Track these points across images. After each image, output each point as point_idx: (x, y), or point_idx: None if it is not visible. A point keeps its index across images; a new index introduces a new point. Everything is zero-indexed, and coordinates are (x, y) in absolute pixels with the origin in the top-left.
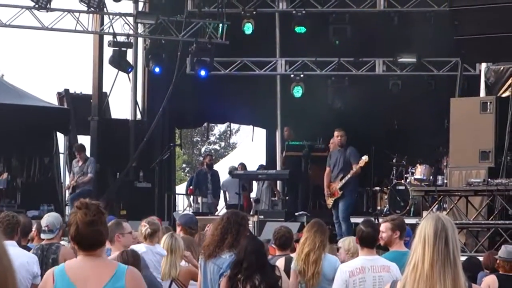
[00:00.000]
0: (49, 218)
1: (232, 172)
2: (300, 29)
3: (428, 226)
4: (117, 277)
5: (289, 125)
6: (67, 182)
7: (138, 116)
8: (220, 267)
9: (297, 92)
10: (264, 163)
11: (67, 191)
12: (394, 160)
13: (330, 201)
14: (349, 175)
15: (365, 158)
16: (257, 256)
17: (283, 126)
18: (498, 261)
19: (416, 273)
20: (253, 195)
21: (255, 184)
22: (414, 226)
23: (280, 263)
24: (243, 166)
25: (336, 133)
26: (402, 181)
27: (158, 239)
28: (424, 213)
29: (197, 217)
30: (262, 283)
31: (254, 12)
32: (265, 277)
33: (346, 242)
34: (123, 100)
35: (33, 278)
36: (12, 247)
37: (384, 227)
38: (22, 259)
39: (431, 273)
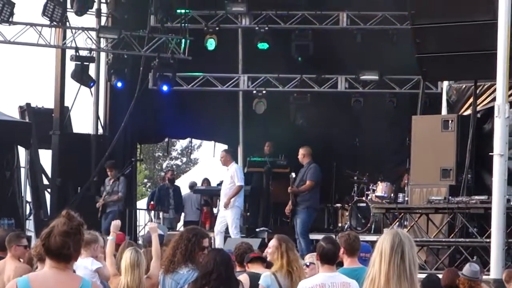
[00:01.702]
0: None
1: (193, 187)
2: (263, 46)
3: (386, 241)
4: None
5: (252, 141)
6: (28, 197)
7: (100, 130)
8: (177, 283)
9: (259, 108)
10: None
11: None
12: (355, 177)
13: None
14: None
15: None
16: (226, 268)
17: (244, 142)
18: (459, 278)
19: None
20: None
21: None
22: (374, 243)
23: (244, 278)
24: (207, 181)
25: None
26: (363, 198)
27: (93, 252)
28: (385, 231)
29: None
30: None
31: (217, 28)
32: None
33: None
34: (85, 114)
35: None
36: None
37: None
38: None
39: (387, 287)
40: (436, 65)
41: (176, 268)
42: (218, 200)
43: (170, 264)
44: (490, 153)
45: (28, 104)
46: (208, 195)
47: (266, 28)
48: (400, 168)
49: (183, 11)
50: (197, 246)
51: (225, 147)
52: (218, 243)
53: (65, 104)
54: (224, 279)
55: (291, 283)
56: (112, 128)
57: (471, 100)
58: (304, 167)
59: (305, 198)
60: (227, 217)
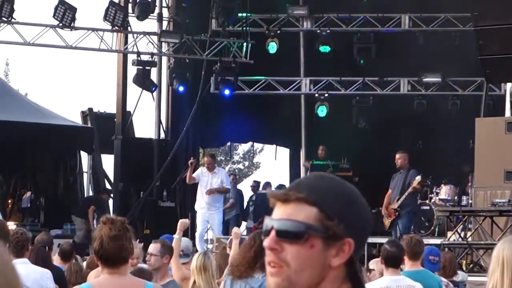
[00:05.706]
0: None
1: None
2: (325, 49)
3: (507, 248)
4: None
5: (314, 144)
6: None
7: (162, 135)
8: (252, 287)
9: (322, 111)
10: (287, 182)
11: None
12: None
13: (387, 222)
14: (403, 196)
15: (418, 178)
16: None
17: (307, 146)
18: None
19: None
20: None
21: None
22: (439, 246)
23: None
24: (269, 185)
25: (396, 156)
26: (427, 201)
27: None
28: (449, 233)
29: None
30: None
31: (279, 32)
32: None
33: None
34: (147, 119)
35: None
36: (23, 265)
37: None
38: (35, 275)
39: None
40: (499, 66)
41: (250, 273)
42: None
43: (247, 270)
44: None
45: (90, 109)
46: None
47: (328, 31)
48: (464, 171)
49: (244, 14)
50: None
51: (287, 150)
52: (200, 249)
53: (127, 109)
54: None
55: None
56: (174, 133)
57: None
58: (403, 172)
59: (406, 203)
60: (213, 220)
